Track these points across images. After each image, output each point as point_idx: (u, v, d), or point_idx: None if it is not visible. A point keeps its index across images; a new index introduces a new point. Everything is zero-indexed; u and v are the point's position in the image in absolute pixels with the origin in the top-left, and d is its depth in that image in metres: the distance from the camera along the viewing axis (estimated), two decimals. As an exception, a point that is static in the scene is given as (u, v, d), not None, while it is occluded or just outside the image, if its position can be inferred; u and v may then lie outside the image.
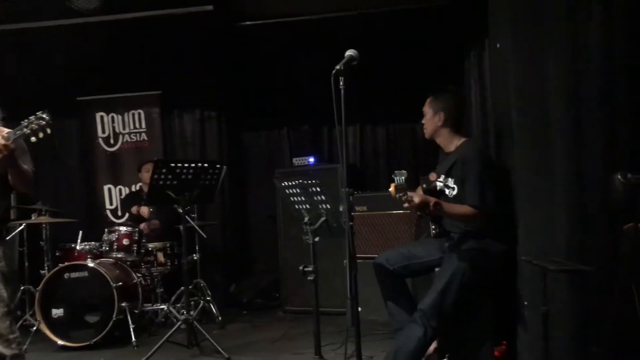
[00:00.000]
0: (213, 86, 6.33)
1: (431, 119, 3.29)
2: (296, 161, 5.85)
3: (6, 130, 2.96)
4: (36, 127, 2.76)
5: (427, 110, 3.31)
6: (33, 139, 2.78)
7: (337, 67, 2.62)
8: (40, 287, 4.61)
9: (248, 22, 6.27)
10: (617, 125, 2.28)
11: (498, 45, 3.37)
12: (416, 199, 2.77)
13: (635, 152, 2.19)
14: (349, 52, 2.70)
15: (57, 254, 5.22)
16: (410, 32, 5.91)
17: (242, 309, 5.85)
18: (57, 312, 4.62)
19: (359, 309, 5.11)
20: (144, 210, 5.40)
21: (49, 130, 2.79)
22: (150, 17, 5.95)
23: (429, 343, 3.02)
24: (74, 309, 4.64)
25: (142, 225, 5.40)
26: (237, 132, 6.61)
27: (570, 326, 2.56)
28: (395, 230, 5.02)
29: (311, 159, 5.73)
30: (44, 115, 2.80)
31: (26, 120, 2.79)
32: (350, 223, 2.61)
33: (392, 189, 2.76)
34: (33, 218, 5.01)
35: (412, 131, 6.21)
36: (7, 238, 3.04)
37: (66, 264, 4.74)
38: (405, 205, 2.82)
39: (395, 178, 2.70)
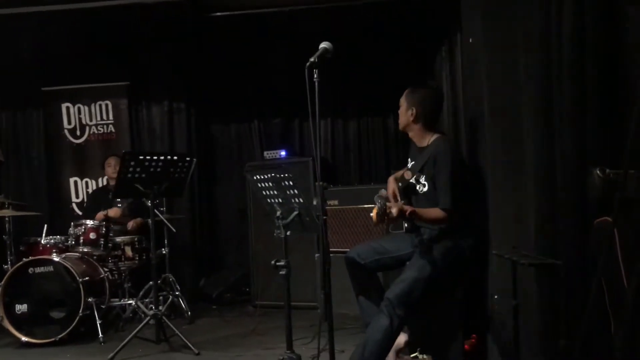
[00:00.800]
0: (182, 78, 6.23)
1: (404, 113, 3.29)
2: (267, 154, 5.80)
3: None
4: None
5: (402, 102, 3.31)
6: None
7: (311, 59, 2.59)
8: (3, 282, 4.48)
9: (218, 13, 6.18)
10: (589, 118, 2.29)
11: (471, 40, 3.38)
12: (394, 211, 2.78)
13: (607, 146, 2.21)
14: (323, 45, 2.67)
15: (21, 248, 5.07)
16: (382, 26, 5.91)
17: (211, 304, 5.77)
18: (20, 308, 4.50)
19: (330, 303, 5.16)
20: (116, 212, 5.25)
21: None
22: (119, 6, 5.82)
23: (396, 333, 3.02)
24: (38, 304, 4.52)
25: (130, 224, 5.29)
26: (206, 125, 6.52)
27: (540, 320, 2.58)
28: (367, 225, 5.02)
29: (282, 152, 5.69)
30: None
31: None
32: (324, 217, 2.58)
33: (373, 214, 2.77)
34: (-5, 212, 4.87)
35: (384, 125, 6.22)
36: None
37: (31, 258, 4.61)
38: (386, 219, 2.83)
39: (377, 202, 2.70)
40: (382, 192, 3.10)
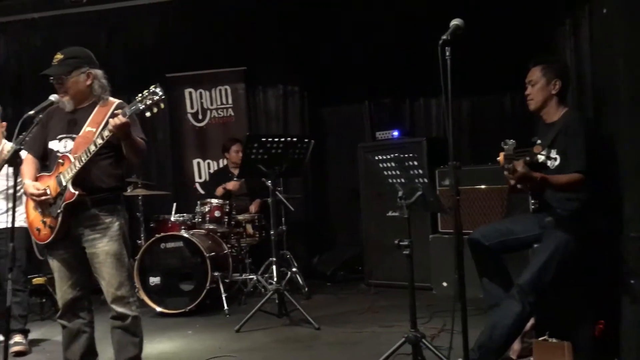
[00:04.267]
0: (295, 61, 6.39)
1: (544, 88, 3.12)
2: (379, 135, 5.81)
3: (116, 101, 3.08)
4: (150, 102, 2.75)
5: (539, 78, 3.13)
6: (148, 114, 2.78)
7: (444, 37, 2.55)
8: (138, 256, 4.85)
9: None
10: None
11: (605, 11, 3.20)
12: (519, 169, 2.68)
13: None
14: (455, 22, 2.62)
15: (151, 224, 5.45)
16: (495, 1, 5.68)
17: (325, 281, 5.94)
18: (154, 280, 4.86)
19: (444, 284, 5.16)
20: (234, 185, 5.52)
21: (162, 105, 2.78)
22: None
23: (526, 319, 2.97)
24: (169, 277, 4.87)
25: (252, 208, 5.56)
26: (318, 107, 6.63)
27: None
28: (483, 206, 4.93)
29: (395, 133, 5.67)
30: (157, 90, 2.76)
31: (140, 96, 2.78)
32: (457, 197, 2.55)
33: (500, 157, 2.69)
34: (129, 191, 5.25)
35: (499, 103, 6.04)
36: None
37: (162, 234, 4.96)
38: (506, 173, 2.75)
39: (504, 147, 2.62)
40: (511, 140, 2.95)
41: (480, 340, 2.92)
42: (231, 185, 5.47)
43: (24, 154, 3.00)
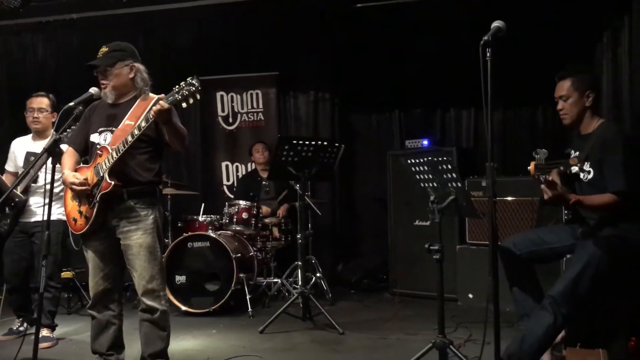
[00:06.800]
0: (328, 68, 6.41)
1: (578, 101, 3.05)
2: (409, 144, 5.79)
3: (156, 96, 3.12)
4: (187, 93, 2.78)
5: (571, 92, 3.07)
6: (184, 104, 2.80)
7: (485, 37, 2.52)
8: (165, 254, 4.84)
9: (361, 4, 6.25)
10: None
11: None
12: (558, 189, 2.65)
13: None
14: (496, 23, 2.59)
15: (179, 224, 5.49)
16: (530, 13, 5.62)
17: (349, 288, 5.90)
18: (180, 279, 4.89)
19: (470, 295, 5.10)
20: (266, 210, 5.57)
21: (199, 96, 2.81)
22: (269, -1, 6.09)
23: (558, 331, 2.91)
24: (195, 276, 4.89)
25: (280, 212, 5.59)
26: (348, 114, 6.63)
27: None
28: (513, 217, 4.87)
29: (425, 142, 5.65)
30: (193, 82, 2.79)
31: (177, 87, 2.82)
32: (495, 199, 2.52)
33: (531, 167, 2.67)
34: (159, 189, 5.29)
35: (530, 115, 5.98)
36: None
37: (190, 233, 4.99)
38: (543, 186, 2.72)
39: (536, 156, 2.60)
40: (544, 150, 2.89)
41: (509, 350, 2.88)
42: (264, 210, 5.49)
43: (64, 147, 3.06)
